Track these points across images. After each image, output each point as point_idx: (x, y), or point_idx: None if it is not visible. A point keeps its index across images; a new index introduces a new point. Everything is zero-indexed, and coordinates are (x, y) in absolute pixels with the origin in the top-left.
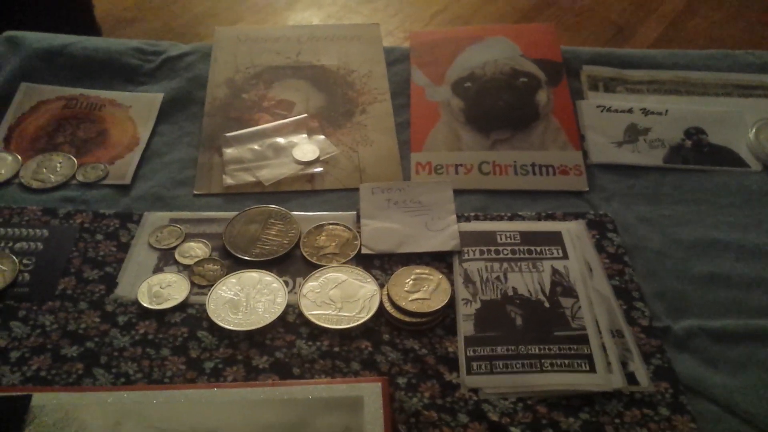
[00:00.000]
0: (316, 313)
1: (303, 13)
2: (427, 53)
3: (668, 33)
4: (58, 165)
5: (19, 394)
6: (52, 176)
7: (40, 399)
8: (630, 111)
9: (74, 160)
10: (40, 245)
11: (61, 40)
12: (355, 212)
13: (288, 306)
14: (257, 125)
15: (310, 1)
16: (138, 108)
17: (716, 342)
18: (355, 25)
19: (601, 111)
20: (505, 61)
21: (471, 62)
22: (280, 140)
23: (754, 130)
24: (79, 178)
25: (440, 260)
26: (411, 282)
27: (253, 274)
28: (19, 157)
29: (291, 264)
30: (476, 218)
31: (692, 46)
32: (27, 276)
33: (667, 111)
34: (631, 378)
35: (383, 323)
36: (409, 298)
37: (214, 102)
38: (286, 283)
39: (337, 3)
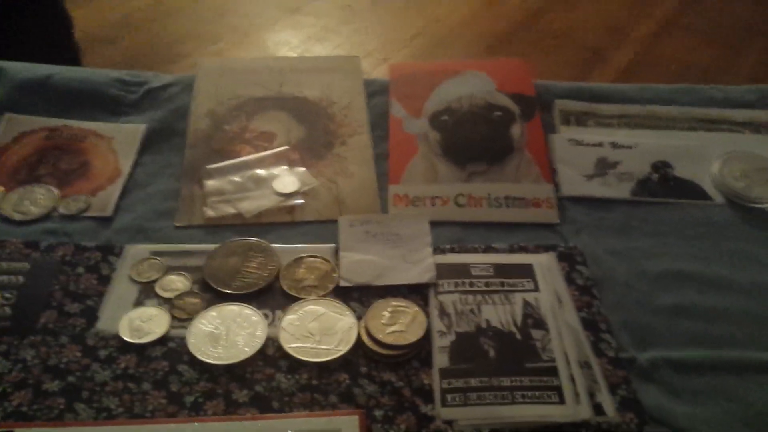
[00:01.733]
0: (295, 346)
1: (282, 34)
2: (406, 86)
3: (641, 58)
4: (40, 197)
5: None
6: (33, 208)
7: None
8: (600, 145)
9: (55, 192)
10: (21, 278)
11: (44, 71)
12: (334, 244)
13: (268, 339)
14: (239, 157)
15: (290, 21)
16: (120, 139)
17: (679, 372)
18: (336, 57)
19: (573, 145)
20: (480, 95)
21: (448, 96)
22: (261, 172)
23: (717, 164)
24: (61, 210)
25: (417, 292)
26: (388, 314)
27: (233, 308)
28: (1, 189)
29: (271, 297)
30: (452, 250)
31: (664, 70)
32: (8, 310)
33: (635, 145)
34: (598, 409)
35: (361, 355)
36: (386, 331)
37: (196, 133)
38: (266, 315)
39: (317, 24)
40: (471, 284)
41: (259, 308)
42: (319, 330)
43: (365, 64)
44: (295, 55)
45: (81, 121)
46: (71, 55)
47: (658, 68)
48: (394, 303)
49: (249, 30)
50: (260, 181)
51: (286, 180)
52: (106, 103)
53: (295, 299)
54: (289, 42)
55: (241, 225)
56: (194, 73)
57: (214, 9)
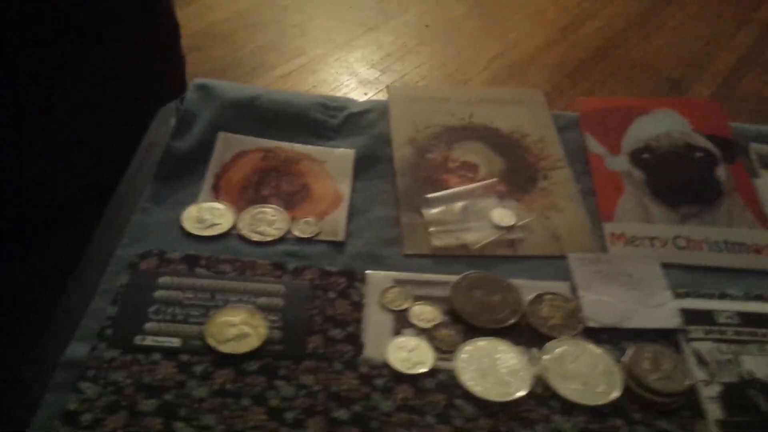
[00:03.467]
0: (564, 387)
1: (362, 50)
2: (598, 122)
3: (721, 91)
4: (272, 218)
5: None
6: (270, 229)
7: None
8: None
9: (286, 213)
10: (280, 301)
11: (250, 92)
12: (567, 282)
13: (533, 377)
14: (446, 186)
15: (369, 38)
16: (333, 164)
17: None
18: (520, 90)
19: None
20: (677, 134)
21: (644, 134)
22: (476, 203)
23: None
24: (296, 232)
25: (663, 337)
26: (649, 360)
27: (490, 343)
28: (232, 208)
29: (519, 333)
30: (687, 295)
31: (744, 104)
32: (278, 333)
33: None
34: None
35: (628, 401)
36: (653, 377)
37: (402, 161)
38: (522, 353)
39: (396, 43)
40: (721, 332)
41: (512, 344)
42: (581, 372)
43: (446, 85)
44: (377, 71)
45: (293, 144)
46: (177, 64)
47: (738, 103)
48: (651, 348)
49: (329, 45)
50: (478, 213)
51: (502, 213)
52: (310, 127)
53: (545, 337)
54: (370, 59)
55: (465, 256)
56: (379, 93)
57: (294, 24)
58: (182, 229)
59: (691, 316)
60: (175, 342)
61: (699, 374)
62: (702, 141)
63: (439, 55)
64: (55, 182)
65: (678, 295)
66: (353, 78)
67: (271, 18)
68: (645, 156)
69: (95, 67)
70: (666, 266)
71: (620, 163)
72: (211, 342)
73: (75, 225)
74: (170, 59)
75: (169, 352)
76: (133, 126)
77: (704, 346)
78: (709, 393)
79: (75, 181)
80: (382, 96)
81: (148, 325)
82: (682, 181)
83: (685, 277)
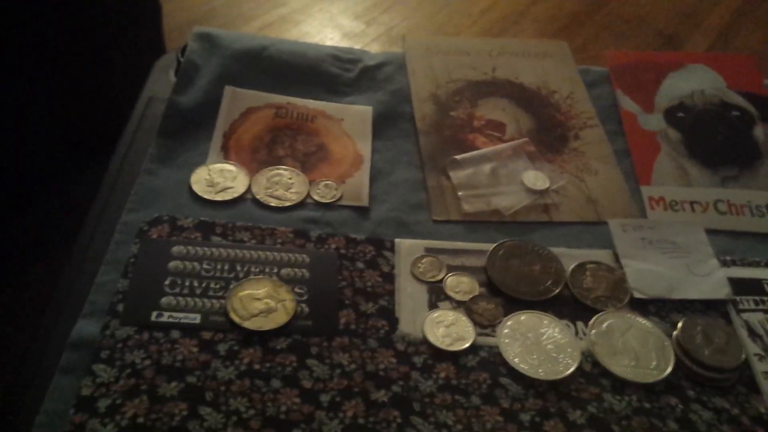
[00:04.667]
0: (615, 364)
1: (347, 1)
2: (629, 77)
3: (716, 46)
4: (288, 181)
5: None
6: (288, 194)
7: None
8: None
9: (304, 176)
10: (306, 273)
11: (257, 42)
12: (609, 250)
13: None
14: (473, 146)
15: None
16: (350, 121)
17: None
18: (544, 41)
19: None
20: (712, 92)
21: (677, 90)
22: (506, 165)
23: None
24: (315, 196)
25: (712, 309)
26: (700, 333)
27: (532, 316)
28: (244, 170)
29: (564, 306)
30: (733, 263)
31: None
32: (305, 307)
33: None
34: None
35: (681, 377)
36: (705, 352)
37: (425, 119)
38: (567, 326)
39: None
40: None
41: (556, 318)
42: (631, 347)
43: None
44: (362, 24)
45: (306, 100)
46: (154, 14)
47: None
48: (701, 321)
49: None
50: (509, 175)
51: (535, 175)
52: (323, 81)
53: (590, 310)
54: (354, 10)
55: (498, 222)
56: (365, 47)
57: None
58: (192, 192)
59: (739, 286)
60: (194, 318)
61: (752, 348)
62: (737, 99)
63: (428, 6)
64: (42, 140)
65: (723, 263)
66: (337, 31)
67: None
68: (680, 114)
69: (68, 17)
70: (708, 232)
71: (655, 121)
72: (235, 318)
73: (73, 188)
74: (147, 8)
75: (189, 330)
76: (120, 81)
77: (755, 317)
78: (764, 368)
79: (66, 139)
80: (369, 50)
81: (164, 300)
82: (719, 142)
83: (728, 243)
